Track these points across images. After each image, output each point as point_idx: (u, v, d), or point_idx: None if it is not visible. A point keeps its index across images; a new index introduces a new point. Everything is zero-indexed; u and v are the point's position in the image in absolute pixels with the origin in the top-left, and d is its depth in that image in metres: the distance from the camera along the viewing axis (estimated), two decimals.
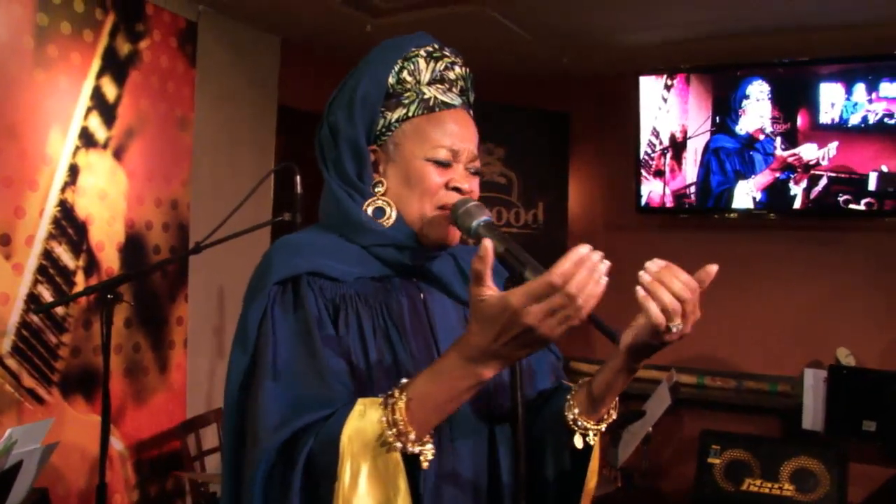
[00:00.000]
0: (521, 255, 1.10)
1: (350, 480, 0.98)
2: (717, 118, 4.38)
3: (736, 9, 3.65)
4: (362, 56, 1.33)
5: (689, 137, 4.45)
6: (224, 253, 3.39)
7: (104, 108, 3.14)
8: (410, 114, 1.25)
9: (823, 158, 4.12)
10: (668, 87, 4.49)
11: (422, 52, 1.27)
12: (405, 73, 1.26)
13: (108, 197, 3.16)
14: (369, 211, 1.25)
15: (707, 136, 4.42)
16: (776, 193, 4.23)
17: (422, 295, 1.27)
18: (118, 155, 3.21)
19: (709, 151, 4.38)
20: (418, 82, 1.26)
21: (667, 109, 4.50)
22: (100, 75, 3.11)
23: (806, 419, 2.91)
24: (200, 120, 3.64)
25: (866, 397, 2.64)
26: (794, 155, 4.19)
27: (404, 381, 1.03)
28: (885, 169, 3.97)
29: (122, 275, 2.80)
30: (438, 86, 1.27)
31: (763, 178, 4.27)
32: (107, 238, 3.16)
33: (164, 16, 3.41)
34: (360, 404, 1.03)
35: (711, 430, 4.02)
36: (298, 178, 2.42)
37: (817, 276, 4.32)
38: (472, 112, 1.33)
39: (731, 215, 4.39)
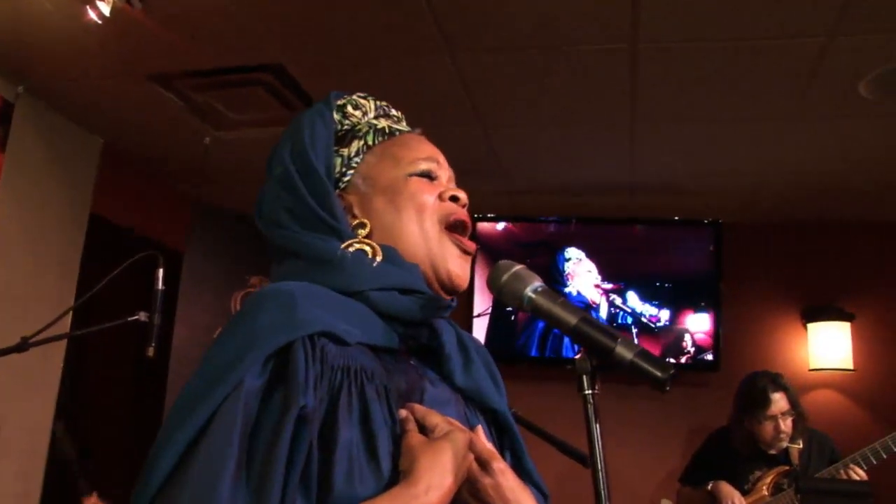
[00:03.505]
0: (606, 327, 0.91)
1: None
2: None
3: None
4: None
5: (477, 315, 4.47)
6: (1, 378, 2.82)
7: None
8: (370, 142, 1.09)
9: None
10: None
11: (356, 95, 1.14)
12: (349, 108, 1.11)
13: None
14: (348, 252, 1.00)
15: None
16: None
17: (423, 382, 0.99)
18: None
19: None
20: (365, 115, 1.13)
21: None
22: None
23: None
24: (2, 215, 3.08)
25: None
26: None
27: None
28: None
29: None
30: (386, 118, 1.14)
31: None
32: None
33: None
34: None
35: None
36: (161, 271, 2.03)
37: (638, 429, 4.39)
38: None
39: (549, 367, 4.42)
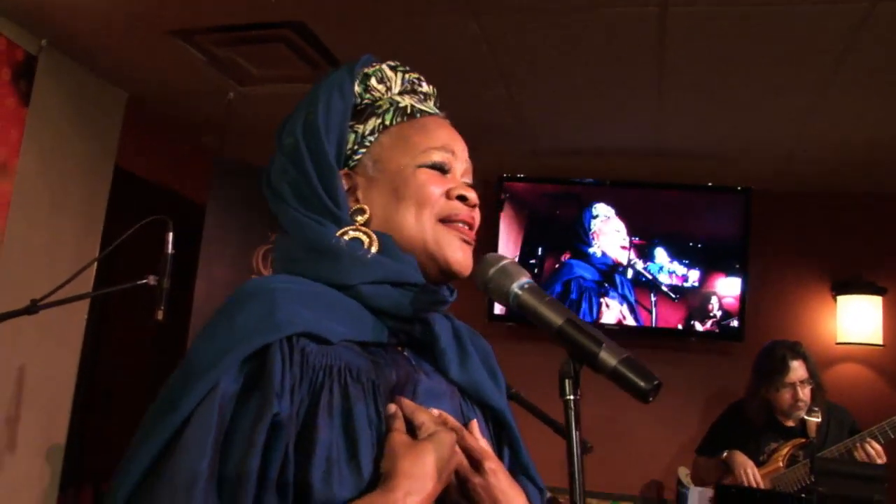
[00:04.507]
0: (592, 330, 0.87)
1: None
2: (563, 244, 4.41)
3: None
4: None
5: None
6: (26, 329, 2.85)
7: None
8: (388, 122, 1.03)
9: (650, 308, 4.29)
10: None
11: (384, 65, 1.08)
12: (373, 81, 1.05)
13: None
14: (343, 241, 0.97)
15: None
16: (617, 314, 4.29)
17: (417, 374, 0.97)
18: None
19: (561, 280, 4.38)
20: (389, 90, 1.06)
21: None
22: None
23: None
24: (25, 169, 3.10)
25: None
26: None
27: None
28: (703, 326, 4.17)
29: None
30: (412, 96, 1.07)
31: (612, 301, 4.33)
32: None
33: None
34: None
35: None
36: (171, 234, 2.02)
37: (658, 396, 4.35)
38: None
39: None
